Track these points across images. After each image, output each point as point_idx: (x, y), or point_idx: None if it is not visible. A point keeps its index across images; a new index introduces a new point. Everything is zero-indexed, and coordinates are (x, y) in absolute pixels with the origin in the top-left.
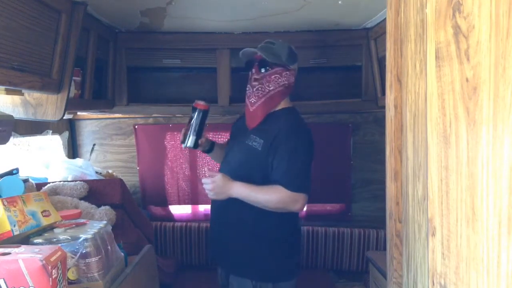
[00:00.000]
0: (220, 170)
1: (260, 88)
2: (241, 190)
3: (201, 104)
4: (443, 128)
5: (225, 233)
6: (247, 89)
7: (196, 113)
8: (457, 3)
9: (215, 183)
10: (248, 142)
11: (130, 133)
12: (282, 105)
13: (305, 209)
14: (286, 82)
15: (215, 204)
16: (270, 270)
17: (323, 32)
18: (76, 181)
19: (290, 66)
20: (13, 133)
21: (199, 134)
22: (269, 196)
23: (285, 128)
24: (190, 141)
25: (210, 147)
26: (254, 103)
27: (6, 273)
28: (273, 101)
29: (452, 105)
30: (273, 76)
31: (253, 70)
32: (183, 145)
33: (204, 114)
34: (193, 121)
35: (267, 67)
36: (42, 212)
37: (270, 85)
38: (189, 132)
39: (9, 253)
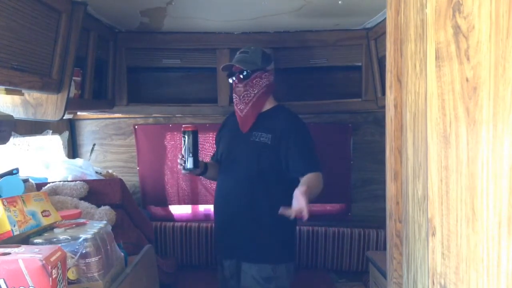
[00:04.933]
0: (225, 170)
1: (245, 95)
2: (309, 189)
3: (189, 126)
4: (443, 128)
5: (236, 222)
6: (233, 98)
7: (187, 136)
8: (457, 3)
9: (300, 200)
10: (254, 139)
11: (130, 133)
12: (270, 104)
13: None
14: (267, 82)
15: (220, 195)
16: (283, 252)
17: (323, 32)
18: (76, 181)
19: (267, 67)
20: (13, 133)
21: (195, 154)
22: (317, 183)
23: (289, 121)
24: (189, 163)
25: (204, 169)
26: (243, 109)
27: (6, 273)
28: (260, 102)
29: (452, 105)
30: (254, 81)
31: (236, 80)
32: (183, 171)
33: (194, 135)
34: (186, 144)
35: (247, 75)
36: (42, 212)
37: (254, 89)
38: (185, 156)
39: (9, 253)
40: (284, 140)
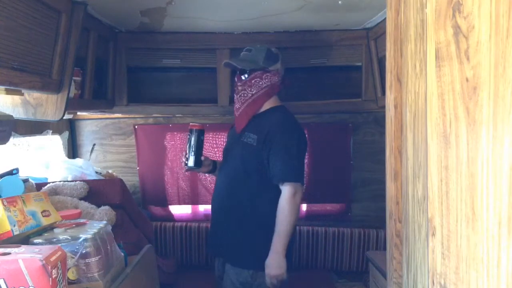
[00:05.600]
0: (220, 169)
1: (243, 94)
2: (279, 245)
3: (196, 124)
4: (443, 128)
5: (223, 224)
6: (234, 96)
7: (192, 134)
8: (457, 3)
9: (271, 274)
10: (243, 140)
11: (130, 133)
12: (270, 104)
13: (305, 209)
14: (269, 83)
15: (214, 195)
16: (263, 258)
17: (323, 32)
18: (76, 181)
19: (270, 67)
20: (13, 133)
21: (197, 153)
22: (284, 215)
23: (276, 124)
24: (190, 161)
25: (213, 167)
26: (238, 108)
27: (6, 273)
28: (256, 104)
29: (452, 105)
30: (253, 81)
31: (236, 79)
32: (185, 168)
33: (200, 134)
34: (191, 141)
35: (246, 74)
36: (42, 212)
37: (252, 89)
38: (188, 153)
39: (9, 253)
40: (268, 142)
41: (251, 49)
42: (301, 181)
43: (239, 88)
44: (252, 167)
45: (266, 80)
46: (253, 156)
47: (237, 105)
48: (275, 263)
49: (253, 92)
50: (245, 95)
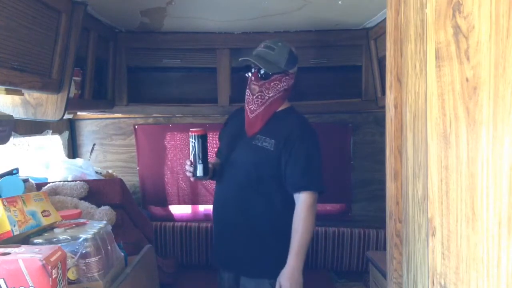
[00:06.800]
0: (223, 175)
1: (259, 96)
2: (297, 259)
3: (197, 130)
4: (443, 128)
5: (234, 236)
6: (246, 94)
7: (195, 140)
8: (457, 3)
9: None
10: (256, 143)
11: (130, 133)
12: (282, 106)
13: None
14: (286, 86)
15: (218, 203)
16: (282, 266)
17: (323, 32)
18: (76, 181)
19: (290, 70)
20: (13, 133)
21: (205, 160)
22: (304, 227)
23: (298, 129)
24: (199, 171)
25: (212, 174)
26: (254, 111)
27: (6, 273)
28: (273, 107)
29: (452, 105)
30: (272, 84)
31: (252, 77)
32: (193, 178)
33: (203, 139)
34: (195, 149)
35: (266, 75)
36: (42, 212)
37: (270, 92)
38: (195, 162)
39: (9, 253)
40: (287, 147)
41: (274, 48)
42: (322, 188)
43: (256, 88)
44: (267, 173)
45: (285, 83)
46: (269, 162)
47: (252, 106)
48: (293, 278)
49: (270, 95)
50: (262, 97)
